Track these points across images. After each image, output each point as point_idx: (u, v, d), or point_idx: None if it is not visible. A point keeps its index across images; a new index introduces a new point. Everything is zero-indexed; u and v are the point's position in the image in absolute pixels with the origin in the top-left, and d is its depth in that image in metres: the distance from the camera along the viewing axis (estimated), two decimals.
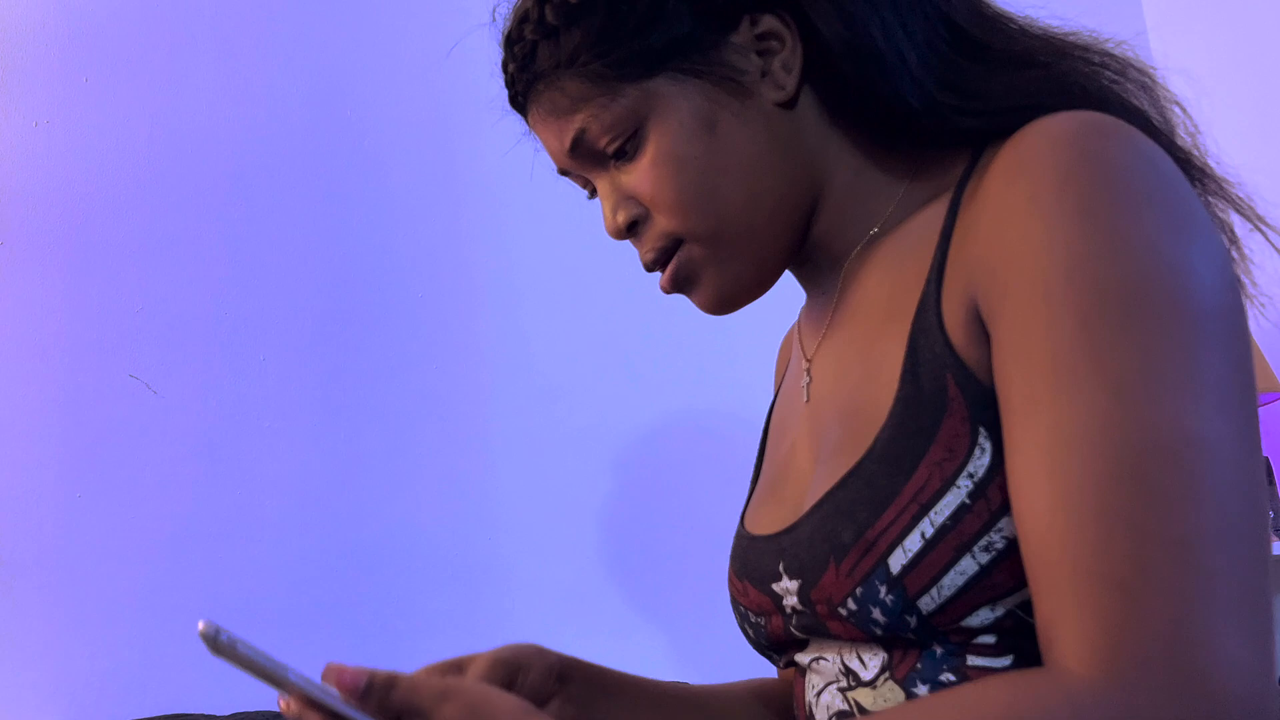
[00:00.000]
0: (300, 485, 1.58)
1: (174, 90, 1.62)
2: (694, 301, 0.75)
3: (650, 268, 0.74)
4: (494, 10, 0.77)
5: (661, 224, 0.72)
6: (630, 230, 0.74)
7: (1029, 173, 0.58)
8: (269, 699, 1.51)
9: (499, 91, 0.77)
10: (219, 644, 0.51)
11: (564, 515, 1.72)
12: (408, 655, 1.59)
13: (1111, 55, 0.70)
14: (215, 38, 1.66)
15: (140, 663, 1.48)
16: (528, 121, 0.76)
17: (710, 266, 0.72)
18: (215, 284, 1.59)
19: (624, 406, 1.79)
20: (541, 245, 1.74)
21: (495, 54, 0.77)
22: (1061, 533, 0.52)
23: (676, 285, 0.74)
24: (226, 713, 1.47)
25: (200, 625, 0.51)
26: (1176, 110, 0.70)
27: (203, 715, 1.47)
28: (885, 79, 0.67)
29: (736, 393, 1.62)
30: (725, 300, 0.74)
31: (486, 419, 1.71)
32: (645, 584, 1.74)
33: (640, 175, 0.71)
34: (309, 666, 1.71)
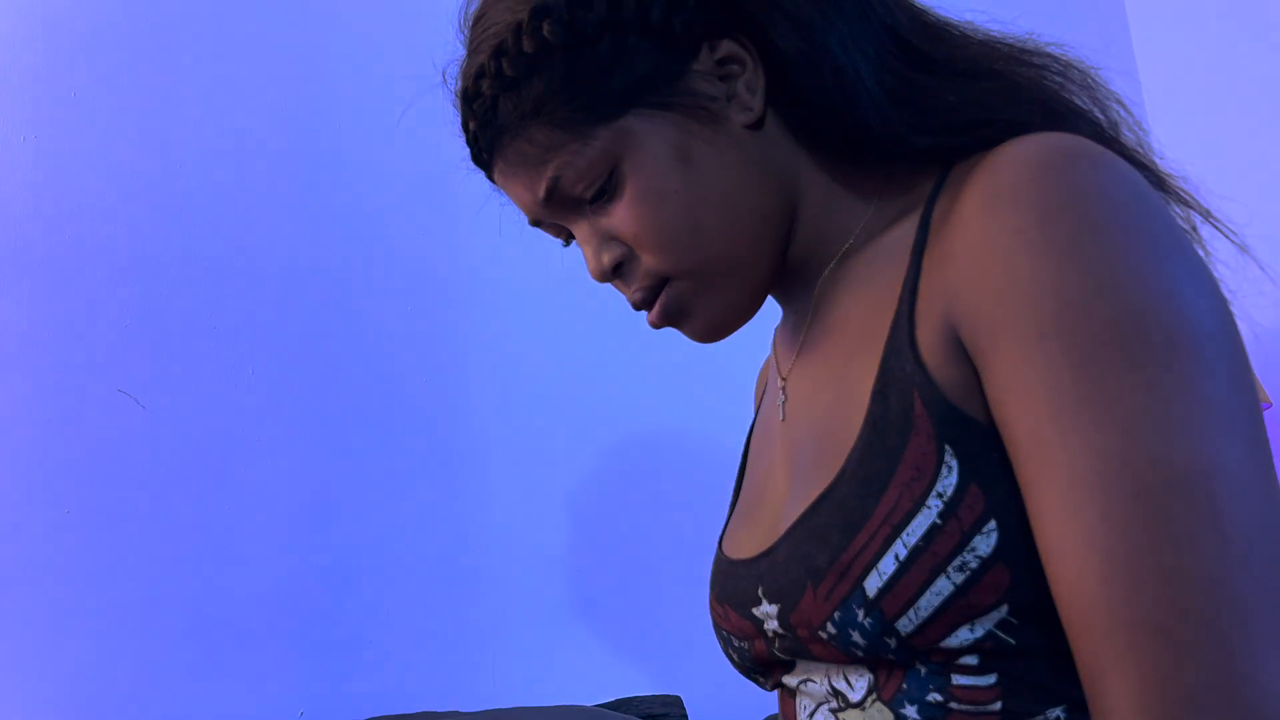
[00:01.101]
0: (289, 498, 1.58)
1: (162, 104, 1.61)
2: (685, 333, 0.75)
3: (639, 306, 0.73)
4: (444, 72, 0.76)
5: (648, 263, 0.71)
6: (615, 271, 0.73)
7: (1008, 205, 0.58)
8: (258, 716, 1.50)
9: (462, 150, 0.75)
10: None
11: (552, 528, 1.72)
12: (396, 667, 1.59)
13: (1053, 57, 0.70)
14: (203, 52, 1.66)
15: (130, 679, 1.47)
16: (493, 178, 0.75)
17: (699, 299, 0.72)
18: (203, 298, 1.59)
19: (612, 419, 1.79)
20: (528, 261, 1.75)
21: None
22: (1092, 581, 0.52)
23: (666, 320, 0.73)
24: None
25: None
26: (1118, 108, 0.69)
27: None
28: (844, 97, 0.66)
29: (723, 403, 1.62)
30: (716, 330, 0.74)
31: (474, 432, 1.71)
32: (633, 597, 1.74)
33: (621, 216, 0.70)
34: (299, 678, 1.70)
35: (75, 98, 1.57)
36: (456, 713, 1.50)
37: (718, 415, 1.58)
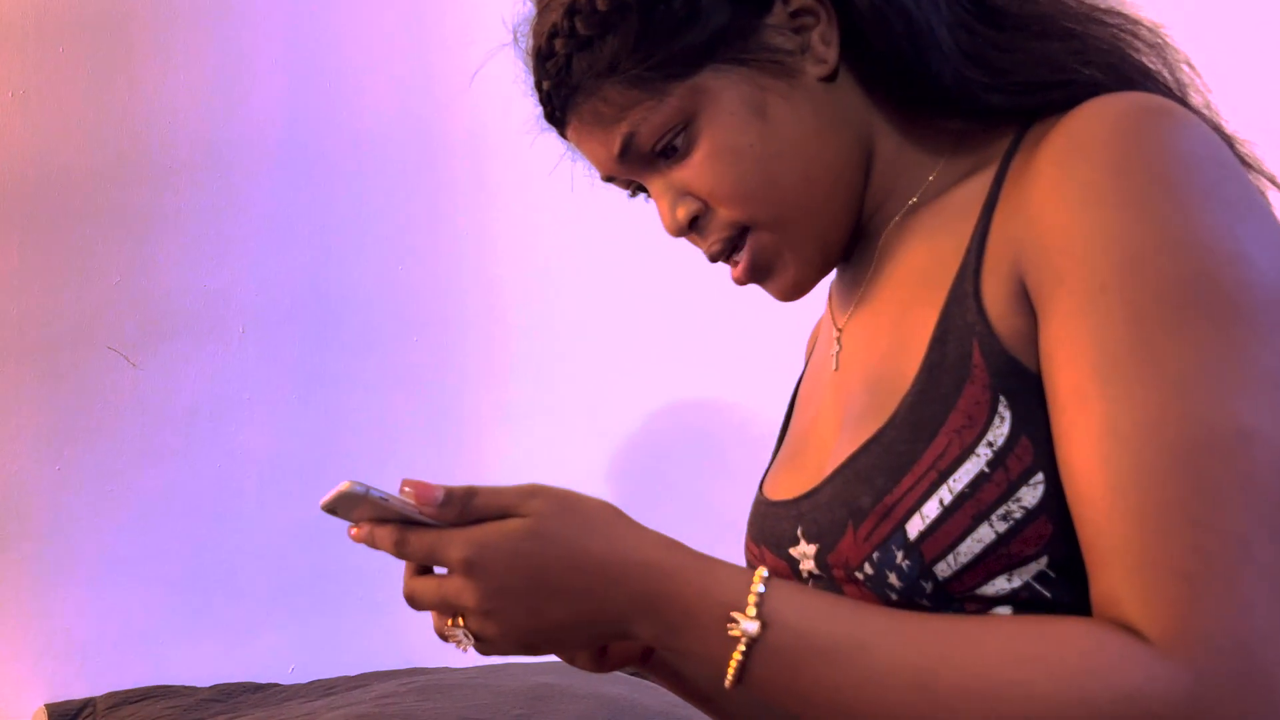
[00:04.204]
0: (279, 456, 1.59)
1: (153, 59, 1.60)
2: (769, 290, 0.75)
3: (716, 259, 0.73)
4: (515, 30, 0.75)
5: (724, 215, 0.71)
6: (691, 226, 0.73)
7: (1084, 158, 0.59)
8: (249, 671, 1.52)
9: (529, 108, 0.75)
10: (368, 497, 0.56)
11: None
12: (389, 626, 1.60)
13: (1123, 15, 0.69)
14: (195, 5, 1.64)
15: (120, 634, 1.48)
16: (566, 135, 0.75)
17: (783, 253, 0.72)
18: (194, 256, 1.58)
19: (609, 384, 1.79)
20: (523, 218, 1.74)
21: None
22: (1120, 522, 0.53)
23: (752, 276, 0.73)
24: (207, 684, 1.48)
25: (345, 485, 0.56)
26: (1186, 70, 0.69)
27: (184, 687, 1.47)
28: (916, 52, 0.66)
29: (737, 373, 1.63)
30: (800, 286, 0.74)
31: (466, 391, 1.72)
32: None
33: (697, 170, 0.70)
34: (291, 634, 1.69)
35: (62, 53, 1.55)
36: (447, 668, 1.51)
37: (734, 390, 1.58)
